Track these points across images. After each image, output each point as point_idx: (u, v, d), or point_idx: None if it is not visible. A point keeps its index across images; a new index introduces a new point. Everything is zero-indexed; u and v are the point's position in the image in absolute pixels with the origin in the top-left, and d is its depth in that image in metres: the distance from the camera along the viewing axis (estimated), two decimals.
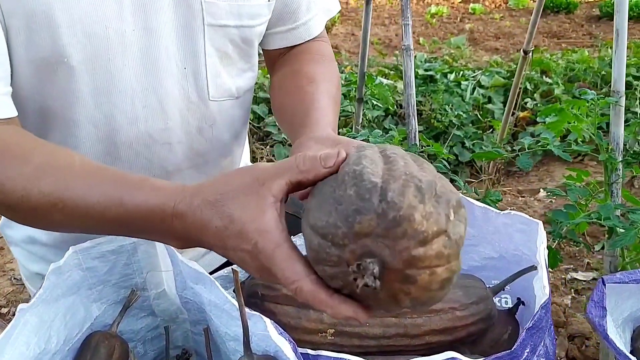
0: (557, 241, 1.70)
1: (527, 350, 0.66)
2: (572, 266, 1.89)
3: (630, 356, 0.67)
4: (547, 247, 1.40)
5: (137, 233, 0.62)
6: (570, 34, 5.42)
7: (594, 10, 6.16)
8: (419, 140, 1.50)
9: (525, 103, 3.09)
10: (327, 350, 0.69)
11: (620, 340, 0.73)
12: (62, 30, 0.68)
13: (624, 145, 2.03)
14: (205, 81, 0.80)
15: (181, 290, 0.80)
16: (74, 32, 0.68)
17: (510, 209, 2.34)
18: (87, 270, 0.75)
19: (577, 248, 1.84)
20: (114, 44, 0.71)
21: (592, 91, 1.26)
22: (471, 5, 6.60)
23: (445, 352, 0.64)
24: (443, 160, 1.23)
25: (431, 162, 1.30)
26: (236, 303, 0.67)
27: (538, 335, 0.67)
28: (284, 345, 0.64)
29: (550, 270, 1.84)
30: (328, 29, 5.82)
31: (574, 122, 1.36)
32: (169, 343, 0.85)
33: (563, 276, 1.82)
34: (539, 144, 1.35)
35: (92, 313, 0.77)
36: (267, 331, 0.65)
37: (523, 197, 2.37)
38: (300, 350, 0.70)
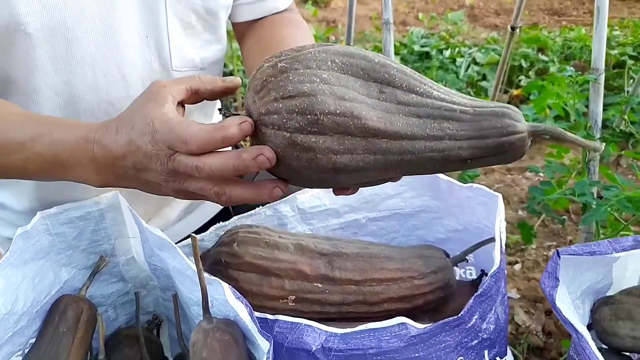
0: (541, 217, 1.71)
1: (476, 317, 0.68)
2: (555, 243, 1.91)
3: (578, 325, 0.69)
4: (521, 223, 1.42)
5: (64, 169, 0.65)
6: (572, 11, 5.36)
7: None
8: None
9: (520, 80, 3.08)
10: (287, 316, 0.71)
11: (572, 310, 0.75)
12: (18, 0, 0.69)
13: (612, 123, 2.04)
14: (168, 51, 0.80)
15: (149, 257, 0.82)
16: (30, 1, 0.69)
17: (498, 186, 2.35)
18: (55, 235, 0.77)
19: (561, 226, 1.85)
20: (72, 13, 0.72)
21: (571, 68, 1.27)
22: None
23: (396, 318, 0.66)
24: None
25: None
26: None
27: (487, 303, 0.69)
28: (241, 309, 0.66)
29: (533, 247, 1.87)
30: (327, 3, 5.78)
31: (556, 99, 1.37)
32: (139, 308, 0.87)
33: (545, 253, 1.83)
34: None
35: (61, 277, 0.79)
36: (225, 296, 0.67)
37: (511, 174, 2.38)
38: (259, 315, 0.72)
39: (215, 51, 0.88)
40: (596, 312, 0.88)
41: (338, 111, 0.52)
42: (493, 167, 2.50)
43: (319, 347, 0.67)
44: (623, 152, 1.31)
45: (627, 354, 0.86)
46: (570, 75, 1.22)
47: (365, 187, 0.61)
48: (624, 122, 1.85)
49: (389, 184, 0.89)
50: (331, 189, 0.61)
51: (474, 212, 0.86)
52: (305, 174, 0.55)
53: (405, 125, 0.53)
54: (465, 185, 0.85)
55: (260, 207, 0.88)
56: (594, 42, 1.28)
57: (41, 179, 0.72)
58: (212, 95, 0.63)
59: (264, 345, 0.63)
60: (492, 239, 0.79)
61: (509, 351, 0.77)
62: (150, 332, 0.90)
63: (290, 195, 0.89)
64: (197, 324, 0.68)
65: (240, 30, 0.94)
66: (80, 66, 0.75)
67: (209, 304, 0.68)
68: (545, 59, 3.24)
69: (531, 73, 3.16)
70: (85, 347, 0.77)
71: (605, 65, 3.24)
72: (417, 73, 0.57)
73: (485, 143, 0.53)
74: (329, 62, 0.54)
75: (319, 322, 0.69)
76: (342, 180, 0.56)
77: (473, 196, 0.85)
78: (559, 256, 0.76)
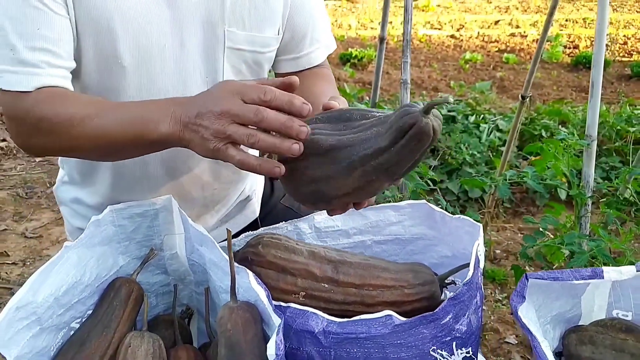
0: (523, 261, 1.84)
1: (450, 317, 0.83)
2: None
3: (534, 330, 0.83)
4: (515, 266, 1.56)
5: (148, 122, 0.80)
6: None
7: (626, 69, 6.27)
8: None
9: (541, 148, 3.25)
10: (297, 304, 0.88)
11: (533, 321, 0.89)
12: (119, 41, 0.92)
13: (616, 190, 2.18)
14: None
15: (189, 254, 1.00)
16: (127, 43, 0.92)
17: (508, 243, 2.48)
18: (118, 227, 0.96)
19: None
20: (155, 53, 0.95)
21: (565, 132, 1.44)
22: (505, 54, 6.80)
23: (384, 311, 0.82)
24: (428, 181, 1.41)
25: (416, 180, 1.47)
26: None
27: (460, 307, 0.85)
28: (261, 292, 0.83)
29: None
30: (364, 66, 6.09)
31: (553, 161, 1.54)
32: (175, 299, 1.05)
33: None
34: (520, 176, 1.53)
35: (118, 262, 0.97)
36: (249, 281, 0.84)
37: (522, 233, 2.52)
38: (275, 302, 0.89)
39: None
40: (565, 339, 1.02)
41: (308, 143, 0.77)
42: (506, 225, 2.64)
43: (320, 330, 0.83)
44: (609, 210, 1.45)
45: None
46: (563, 139, 1.39)
47: (350, 200, 0.83)
48: (627, 189, 1.99)
49: (391, 212, 1.07)
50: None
51: (462, 241, 1.02)
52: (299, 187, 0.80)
53: (350, 138, 0.75)
54: (454, 216, 1.02)
55: (283, 222, 1.06)
56: (588, 112, 1.45)
57: (126, 142, 0.85)
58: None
59: (276, 320, 0.80)
60: (467, 265, 0.94)
61: (480, 356, 0.92)
62: (182, 320, 1.07)
63: (309, 215, 1.07)
64: (225, 303, 0.86)
65: None
66: (156, 94, 0.97)
67: (236, 289, 0.85)
68: (566, 130, 3.40)
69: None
70: (132, 320, 0.94)
71: (625, 141, 3.39)
72: (377, 110, 0.80)
73: (396, 127, 0.72)
74: (315, 118, 0.82)
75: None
76: (325, 190, 0.78)
77: (460, 226, 1.01)
78: (527, 279, 0.91)
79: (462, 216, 1.01)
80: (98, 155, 0.93)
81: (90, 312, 0.94)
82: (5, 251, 2.60)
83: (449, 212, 1.06)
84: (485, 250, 2.32)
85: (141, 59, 0.95)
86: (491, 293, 2.02)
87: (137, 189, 1.04)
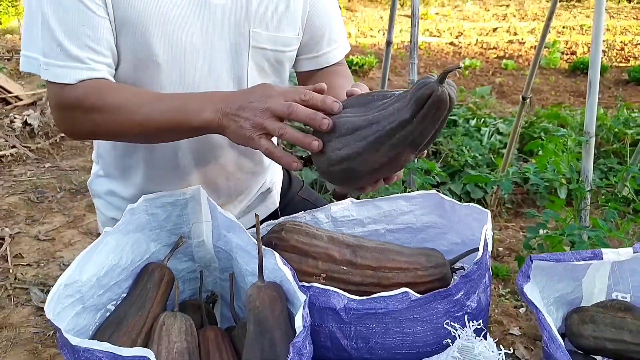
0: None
1: (462, 293, 0.90)
2: None
3: (538, 304, 0.90)
4: (518, 257, 1.62)
5: (190, 109, 0.91)
6: None
7: (623, 74, 6.38)
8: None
9: (539, 151, 3.33)
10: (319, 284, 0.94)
11: (537, 298, 0.96)
12: (154, 40, 1.01)
13: (614, 188, 2.25)
14: (246, 86, 1.10)
15: (216, 241, 1.07)
16: (161, 42, 1.01)
17: (510, 241, 2.55)
18: (151, 215, 1.03)
19: None
20: (187, 52, 1.03)
21: (564, 130, 1.51)
22: (504, 61, 6.90)
23: (401, 288, 0.89)
24: (435, 176, 1.48)
25: (423, 176, 1.55)
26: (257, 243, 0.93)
27: (471, 284, 0.91)
28: (287, 271, 0.90)
29: None
30: (365, 72, 6.18)
31: (553, 157, 1.61)
32: (202, 285, 1.11)
33: None
34: (521, 172, 1.60)
35: (150, 248, 1.04)
36: (275, 262, 0.91)
37: (524, 232, 2.59)
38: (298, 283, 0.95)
39: None
40: (567, 319, 1.09)
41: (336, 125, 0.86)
42: (509, 224, 2.71)
43: (342, 307, 0.90)
44: (608, 205, 1.52)
45: (594, 357, 1.06)
46: (562, 135, 1.47)
47: (379, 176, 0.89)
48: (625, 187, 2.06)
49: (403, 202, 1.14)
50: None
51: (470, 227, 1.09)
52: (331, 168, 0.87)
53: (375, 116, 0.83)
54: (463, 204, 1.09)
55: (302, 212, 1.13)
56: (586, 110, 1.53)
57: (165, 132, 0.96)
58: None
59: (301, 297, 0.86)
60: (476, 249, 1.01)
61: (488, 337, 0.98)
62: (207, 305, 1.14)
63: (326, 206, 1.14)
64: (253, 283, 0.92)
65: (302, 79, 1.24)
66: (187, 89, 1.05)
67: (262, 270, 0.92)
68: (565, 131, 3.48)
69: None
70: (164, 302, 1.01)
71: (622, 143, 3.46)
72: (395, 90, 0.87)
73: (415, 98, 0.79)
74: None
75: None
76: (355, 167, 0.85)
77: (469, 213, 1.08)
78: (531, 260, 0.98)
79: (470, 204, 1.07)
80: (141, 139, 1.02)
81: (124, 294, 1.00)
82: (19, 253, 2.67)
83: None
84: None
85: (174, 57, 1.03)
86: (495, 288, 2.09)
87: (168, 180, 1.12)
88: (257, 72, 1.13)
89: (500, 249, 2.40)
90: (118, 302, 1.00)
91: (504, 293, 2.05)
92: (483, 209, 1.05)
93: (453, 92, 0.79)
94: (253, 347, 0.86)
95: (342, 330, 0.91)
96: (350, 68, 5.63)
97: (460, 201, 2.72)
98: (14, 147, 3.90)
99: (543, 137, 3.45)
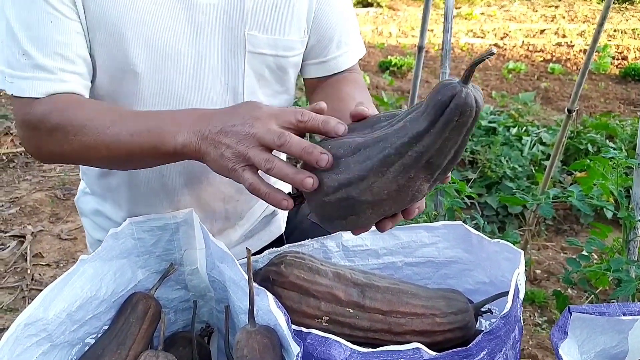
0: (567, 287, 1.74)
1: (484, 353, 0.77)
2: None
3: None
4: (557, 292, 1.47)
5: (165, 135, 0.77)
6: None
7: None
8: None
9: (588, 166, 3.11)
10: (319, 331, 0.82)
11: None
12: (131, 46, 0.89)
13: None
14: (242, 96, 0.98)
15: (210, 270, 0.96)
16: (139, 48, 0.89)
17: (549, 263, 2.37)
18: (138, 240, 0.92)
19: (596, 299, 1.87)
20: (171, 59, 0.91)
21: (613, 147, 1.34)
22: (551, 64, 6.61)
23: (412, 343, 0.76)
24: (465, 198, 1.33)
25: (455, 197, 1.40)
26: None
27: (496, 342, 0.78)
28: (280, 316, 0.78)
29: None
30: (404, 74, 6.01)
31: (601, 180, 1.44)
32: (195, 316, 1.01)
33: None
34: (564, 195, 1.44)
35: (137, 276, 0.94)
36: (268, 305, 0.79)
37: (565, 253, 2.40)
38: (295, 327, 0.83)
39: (283, 100, 1.04)
40: None
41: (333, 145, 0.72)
42: (548, 244, 2.52)
43: None
44: None
45: None
46: (612, 157, 1.30)
47: (384, 210, 0.72)
48: None
49: (424, 232, 1.00)
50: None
51: (500, 267, 0.95)
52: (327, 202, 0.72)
53: (382, 133, 0.69)
54: (493, 240, 0.95)
55: (309, 239, 1.01)
56: (639, 130, 1.35)
57: (143, 152, 0.81)
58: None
59: (295, 349, 0.74)
60: (505, 293, 0.88)
61: None
62: (202, 338, 1.03)
63: (337, 233, 1.02)
64: (243, 327, 0.81)
65: (310, 86, 1.11)
66: (172, 101, 0.93)
67: (255, 311, 0.80)
68: (613, 146, 3.25)
69: None
70: (148, 337, 0.90)
71: None
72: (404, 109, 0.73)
73: (434, 103, 0.64)
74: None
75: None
76: (356, 196, 0.69)
77: (499, 251, 0.94)
78: (570, 312, 0.83)
79: (501, 241, 0.93)
80: (112, 164, 0.90)
81: (106, 327, 0.91)
82: (40, 252, 2.63)
83: (487, 232, 0.99)
84: (525, 270, 2.21)
85: (156, 65, 0.91)
86: (530, 316, 1.93)
87: (156, 202, 1.00)
88: (256, 81, 1.00)
89: (538, 271, 2.22)
90: (99, 335, 0.90)
91: (539, 322, 1.88)
92: (515, 248, 0.91)
93: (479, 96, 0.64)
94: None
95: None
96: (388, 69, 5.43)
97: (496, 215, 2.51)
98: None
99: (590, 149, 3.23)
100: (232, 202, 1.07)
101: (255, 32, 0.96)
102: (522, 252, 0.90)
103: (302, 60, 1.07)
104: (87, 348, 0.88)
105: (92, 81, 0.92)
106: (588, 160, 1.45)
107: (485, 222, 1.48)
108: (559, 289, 2.06)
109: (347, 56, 1.08)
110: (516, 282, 0.84)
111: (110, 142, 0.80)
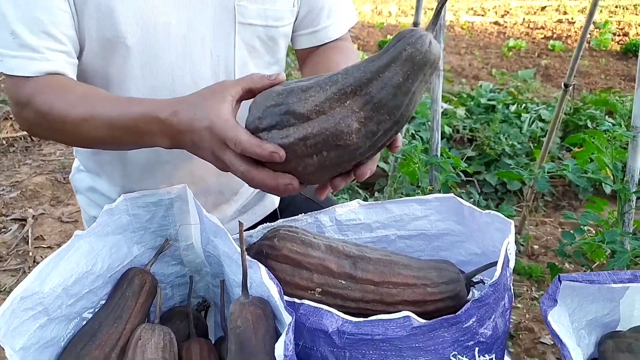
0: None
1: (473, 320, 0.78)
2: None
3: (564, 337, 0.77)
4: (551, 264, 1.48)
5: (142, 136, 0.81)
6: None
7: None
8: (441, 152, 1.61)
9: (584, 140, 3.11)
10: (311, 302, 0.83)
11: (564, 328, 0.82)
12: (120, 19, 0.89)
13: None
14: (233, 68, 0.98)
15: (205, 245, 0.97)
16: (129, 21, 0.89)
17: (547, 238, 2.38)
18: (133, 216, 0.93)
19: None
20: (160, 31, 0.91)
21: (610, 123, 1.35)
22: (551, 42, 6.56)
23: (402, 312, 0.77)
24: (460, 173, 1.34)
25: (450, 172, 1.41)
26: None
27: (485, 309, 0.79)
28: (272, 287, 0.79)
29: None
30: None
31: (596, 153, 1.44)
32: (191, 290, 1.02)
33: None
34: (559, 169, 1.44)
35: (132, 252, 0.95)
36: (261, 276, 0.80)
37: (563, 229, 2.41)
38: (288, 299, 0.85)
39: (274, 71, 1.04)
40: (601, 345, 0.95)
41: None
42: (546, 220, 2.53)
43: (334, 329, 0.79)
44: None
45: None
46: (607, 130, 1.30)
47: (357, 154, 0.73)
48: None
49: (416, 205, 1.01)
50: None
51: (491, 237, 0.96)
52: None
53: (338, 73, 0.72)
54: (484, 212, 0.95)
55: (303, 214, 1.02)
56: (635, 102, 1.35)
57: (124, 144, 0.88)
58: (262, 90, 0.78)
59: (287, 318, 0.76)
60: (494, 263, 0.88)
61: (506, 358, 0.86)
62: (199, 313, 1.04)
63: (331, 207, 1.03)
64: (236, 299, 0.82)
65: (301, 56, 1.11)
66: (163, 74, 0.94)
67: (248, 284, 0.82)
68: (612, 121, 3.24)
69: None
70: (145, 312, 0.92)
71: None
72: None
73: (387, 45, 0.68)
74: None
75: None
76: (292, 104, 0.71)
77: (490, 222, 0.95)
78: (560, 281, 0.84)
79: (492, 211, 0.94)
80: (99, 148, 0.93)
81: (103, 302, 0.92)
82: (41, 235, 2.65)
83: (481, 206, 0.99)
84: (523, 245, 2.24)
85: (145, 38, 0.91)
86: (527, 290, 1.94)
87: (149, 177, 1.01)
88: (247, 52, 1.00)
89: (536, 246, 2.23)
90: (97, 310, 0.92)
91: (536, 296, 1.89)
92: (506, 218, 0.92)
93: (436, 43, 0.67)
94: None
95: (336, 355, 0.80)
96: None
97: (495, 192, 2.52)
98: None
99: (589, 125, 3.23)
100: (225, 176, 1.06)
101: (245, 2, 0.96)
102: (512, 222, 0.91)
103: (293, 32, 1.07)
104: (84, 322, 0.90)
105: (80, 57, 0.92)
106: (583, 135, 1.45)
107: (481, 198, 1.49)
108: (556, 262, 2.08)
109: (337, 25, 1.09)
110: (506, 250, 0.85)
111: (87, 136, 0.85)
